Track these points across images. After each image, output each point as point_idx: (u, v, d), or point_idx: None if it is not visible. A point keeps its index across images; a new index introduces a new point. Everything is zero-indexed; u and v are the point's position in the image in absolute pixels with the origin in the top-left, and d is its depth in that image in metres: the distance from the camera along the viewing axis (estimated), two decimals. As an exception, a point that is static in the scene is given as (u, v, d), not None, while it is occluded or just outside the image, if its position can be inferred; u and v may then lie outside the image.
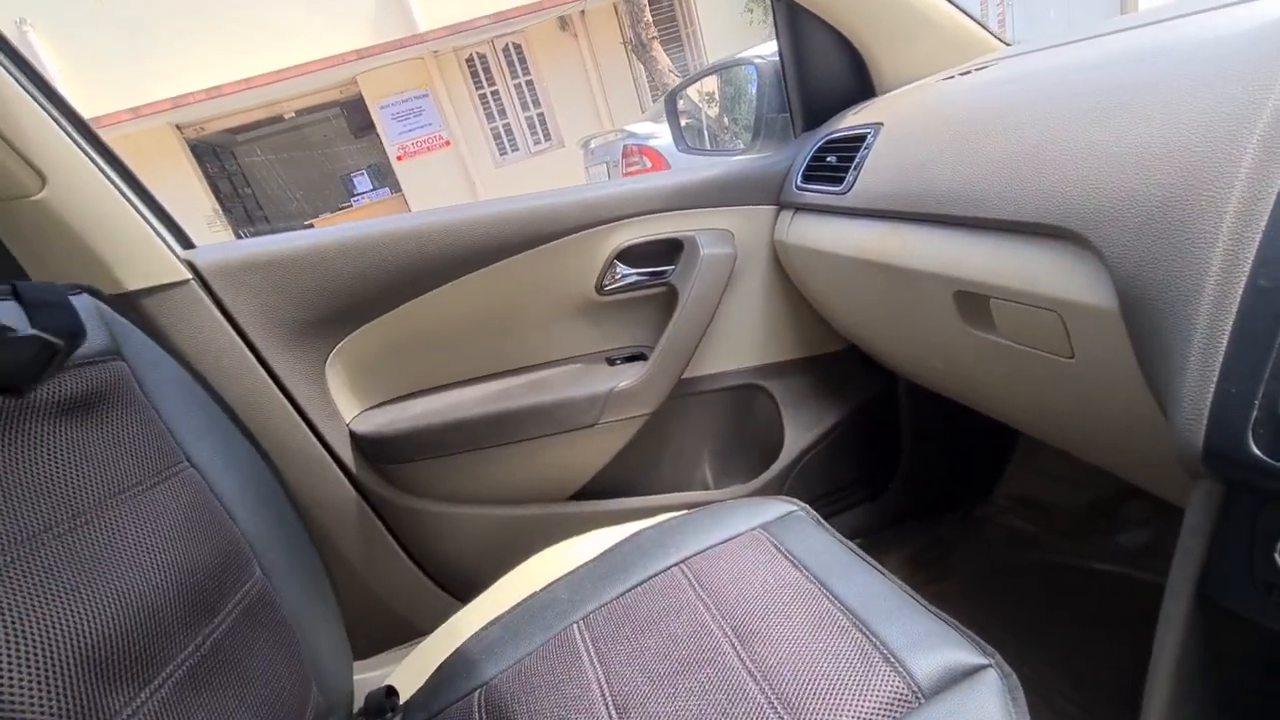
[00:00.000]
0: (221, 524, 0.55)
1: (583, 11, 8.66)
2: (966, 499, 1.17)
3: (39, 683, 0.36)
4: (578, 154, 5.71)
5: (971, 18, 0.86)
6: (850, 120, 0.87)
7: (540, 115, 9.11)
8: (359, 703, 0.63)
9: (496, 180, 8.97)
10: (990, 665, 0.51)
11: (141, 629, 0.43)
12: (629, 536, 0.71)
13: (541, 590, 0.67)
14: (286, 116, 8.98)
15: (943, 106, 0.72)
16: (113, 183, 0.71)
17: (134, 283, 0.71)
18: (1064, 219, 0.49)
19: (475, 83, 8.82)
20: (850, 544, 0.64)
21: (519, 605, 0.66)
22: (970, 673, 0.50)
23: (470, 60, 8.72)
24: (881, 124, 0.78)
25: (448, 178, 8.83)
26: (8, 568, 0.38)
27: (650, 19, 6.88)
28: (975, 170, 0.59)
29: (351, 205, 9.33)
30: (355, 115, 9.15)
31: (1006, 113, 0.60)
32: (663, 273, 0.96)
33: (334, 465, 0.85)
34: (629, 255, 0.94)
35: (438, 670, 0.63)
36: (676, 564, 0.64)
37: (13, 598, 0.37)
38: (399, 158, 8.81)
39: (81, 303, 0.52)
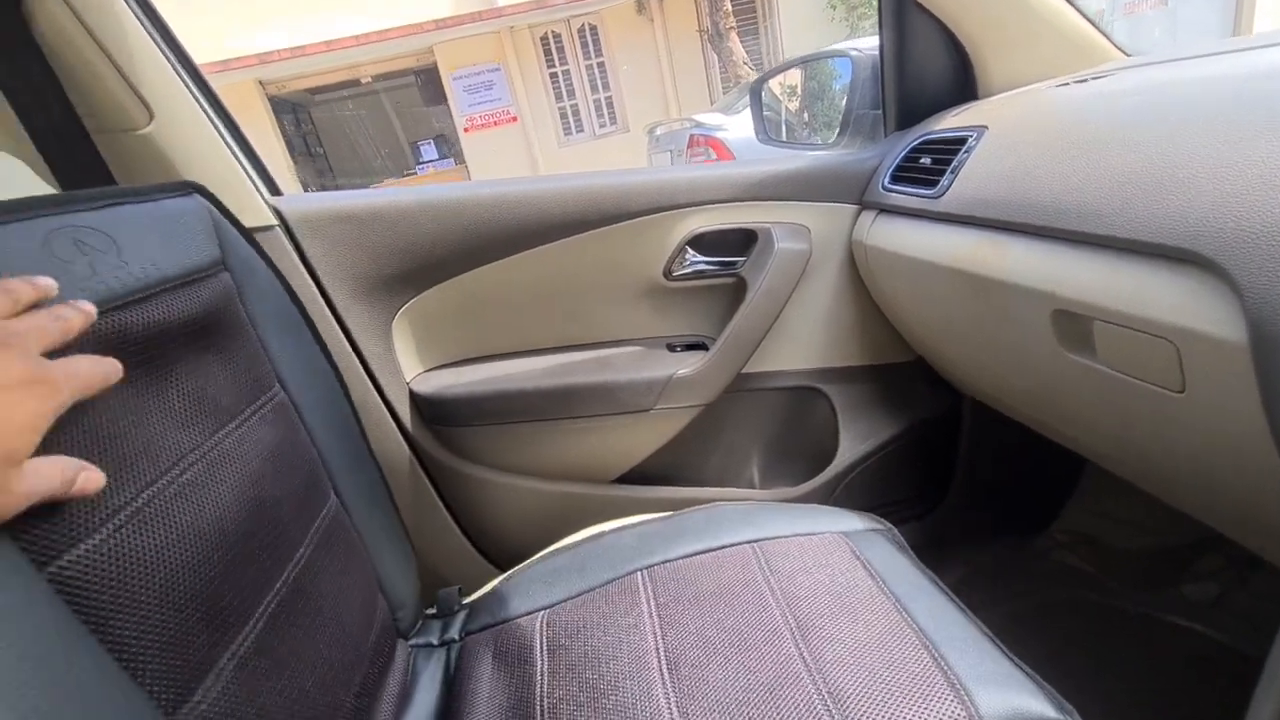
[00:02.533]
0: (306, 450, 0.57)
1: (661, -3, 8.59)
2: (1022, 529, 1.12)
3: (165, 616, 0.37)
4: (641, 139, 5.69)
5: (1094, 24, 0.81)
6: (949, 122, 0.83)
7: (608, 98, 9.10)
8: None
9: (559, 159, 9.02)
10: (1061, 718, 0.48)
11: (238, 569, 0.43)
12: (703, 506, 0.71)
13: (610, 533, 0.68)
14: (363, 81, 9.20)
15: (1057, 114, 0.68)
16: (214, 124, 0.73)
17: (226, 223, 0.73)
18: (1193, 242, 0.45)
19: (547, 61, 8.86)
20: (933, 574, 0.62)
21: (585, 540, 0.68)
22: None
23: (545, 38, 8.76)
24: (986, 127, 0.74)
25: (511, 153, 8.92)
26: (158, 496, 0.39)
27: (729, 8, 6.78)
28: (1090, 183, 0.56)
29: (416, 172, 9.52)
30: (428, 84, 9.31)
31: (1129, 125, 0.56)
32: (733, 263, 0.94)
33: (391, 421, 0.87)
34: (701, 242, 0.93)
35: (502, 585, 0.66)
36: (748, 542, 0.65)
37: (152, 531, 0.38)
38: (466, 129, 8.94)
39: (189, 205, 0.53)
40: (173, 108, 0.68)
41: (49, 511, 0.32)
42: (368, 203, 0.82)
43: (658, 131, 5.35)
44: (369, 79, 9.19)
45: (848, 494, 1.01)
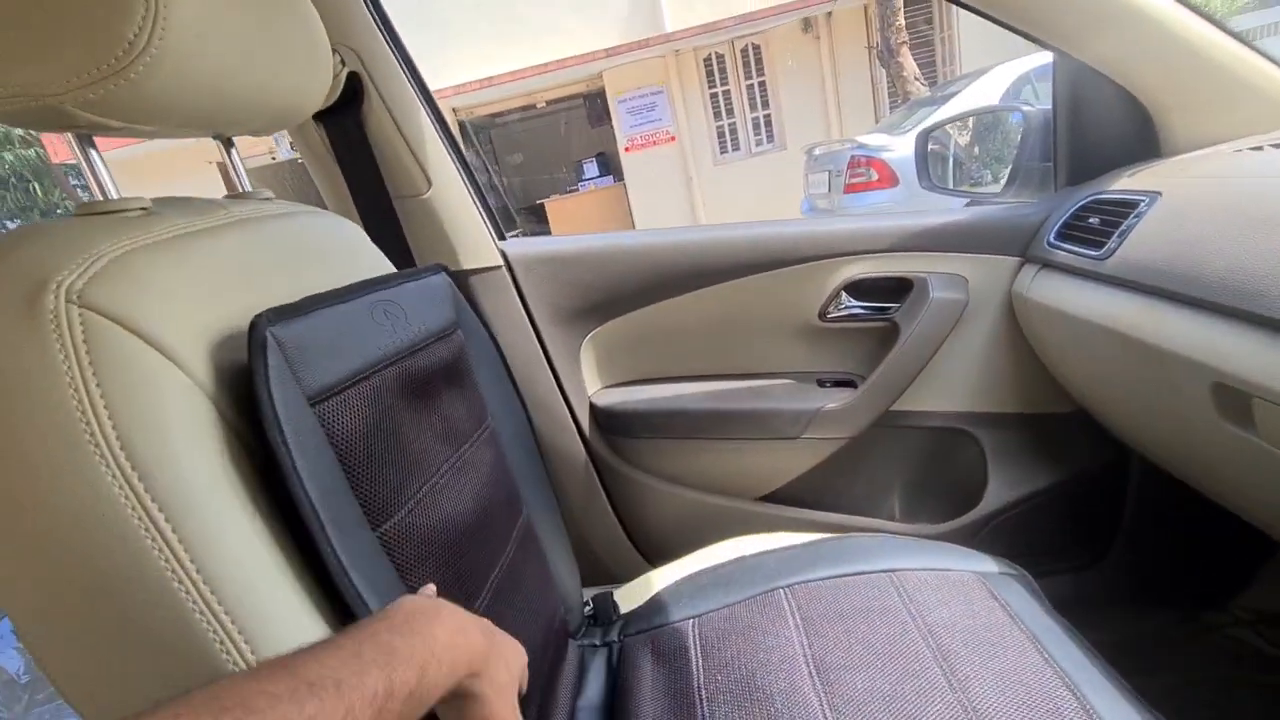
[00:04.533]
0: (506, 469, 0.72)
1: (829, 13, 8.48)
2: (1195, 599, 1.05)
3: (438, 573, 0.52)
4: (799, 159, 5.67)
5: (1296, 81, 0.78)
6: (1123, 183, 0.84)
7: (767, 117, 9.14)
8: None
9: (713, 177, 9.20)
10: None
11: (475, 550, 0.58)
12: (838, 535, 0.78)
13: (751, 555, 0.77)
14: (539, 106, 10.03)
15: (1236, 183, 0.68)
16: (467, 186, 0.94)
17: (468, 264, 0.94)
18: None
19: (709, 82, 9.09)
20: (1070, 626, 0.64)
21: (730, 562, 0.77)
22: None
23: (708, 59, 9.00)
24: (1160, 193, 0.75)
25: (668, 171, 9.25)
26: (431, 492, 0.54)
27: (903, 23, 6.54)
28: (1261, 261, 0.57)
29: (579, 190, 10.17)
30: (594, 107, 9.94)
31: None
32: (887, 309, 1.00)
33: (574, 428, 1.04)
34: (857, 288, 1.00)
35: (655, 596, 0.76)
36: (885, 571, 0.70)
37: (431, 514, 0.53)
38: (627, 149, 9.42)
39: (440, 280, 0.71)
40: (443, 177, 0.90)
41: (377, 493, 0.48)
42: (571, 246, 0.99)
43: (816, 151, 5.31)
44: (544, 104, 10.00)
45: (992, 539, 1.02)
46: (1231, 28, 0.79)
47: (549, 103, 9.98)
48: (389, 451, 0.51)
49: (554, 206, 9.51)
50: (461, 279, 0.93)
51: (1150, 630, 1.04)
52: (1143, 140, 0.88)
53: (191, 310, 0.42)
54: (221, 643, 0.36)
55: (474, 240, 0.95)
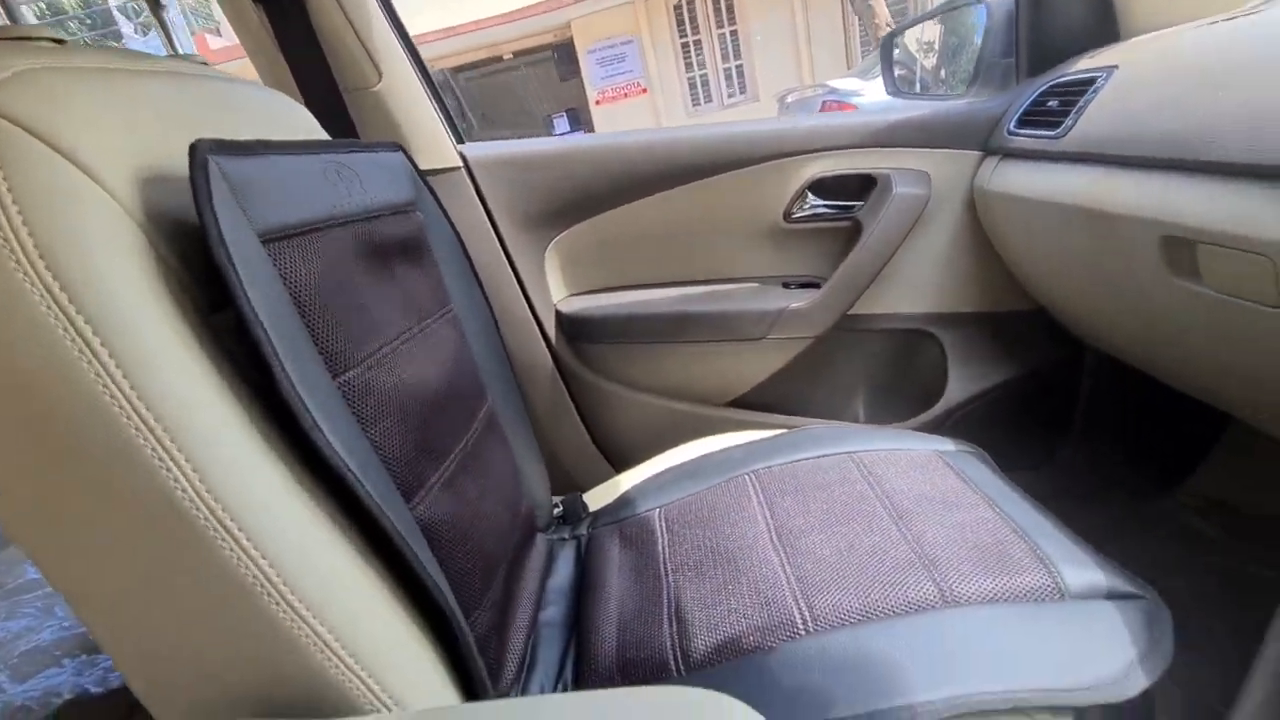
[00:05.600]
0: (470, 356, 0.72)
1: (801, -42, 8.29)
2: (1143, 490, 1.10)
3: (400, 434, 0.51)
4: (771, 109, 5.61)
5: (1255, -45, 0.78)
6: (1082, 64, 0.84)
7: (739, 67, 8.98)
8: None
9: (686, 131, 9.06)
10: (1144, 597, 0.53)
11: (439, 421, 0.58)
12: (800, 429, 0.80)
13: (718, 450, 0.79)
14: (505, 58, 9.72)
15: (1194, 48, 0.68)
16: (421, 82, 0.91)
17: (425, 164, 0.91)
18: None
19: (680, 31, 8.88)
20: (1022, 490, 0.67)
21: (697, 458, 0.79)
22: (1121, 596, 0.53)
23: (678, 7, 8.77)
24: (1116, 67, 0.75)
25: (641, 124, 9.08)
26: (391, 354, 0.54)
27: (874, -33, 6.42)
28: (1213, 115, 0.57)
29: (549, 144, 9.97)
30: (564, 60, 9.66)
31: (1269, 57, 0.57)
32: (851, 207, 1.00)
33: (539, 334, 1.03)
34: (821, 187, 0.99)
35: (623, 494, 0.77)
36: (847, 453, 0.73)
37: (390, 374, 0.53)
38: (597, 102, 9.21)
39: (397, 159, 0.69)
40: (394, 68, 0.86)
41: (335, 342, 0.47)
42: (532, 148, 0.97)
43: (789, 99, 5.26)
44: (510, 55, 9.69)
45: (954, 434, 1.05)
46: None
47: (515, 54, 9.67)
48: (347, 306, 0.50)
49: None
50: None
51: (1100, 520, 1.09)
52: (1103, 26, 0.88)
53: (116, 138, 0.39)
54: (161, 461, 0.35)
55: (430, 138, 0.92)
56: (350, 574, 0.41)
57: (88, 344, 0.33)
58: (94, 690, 0.65)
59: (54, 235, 0.33)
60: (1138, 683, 0.47)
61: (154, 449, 0.35)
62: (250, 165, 0.44)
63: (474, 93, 10.41)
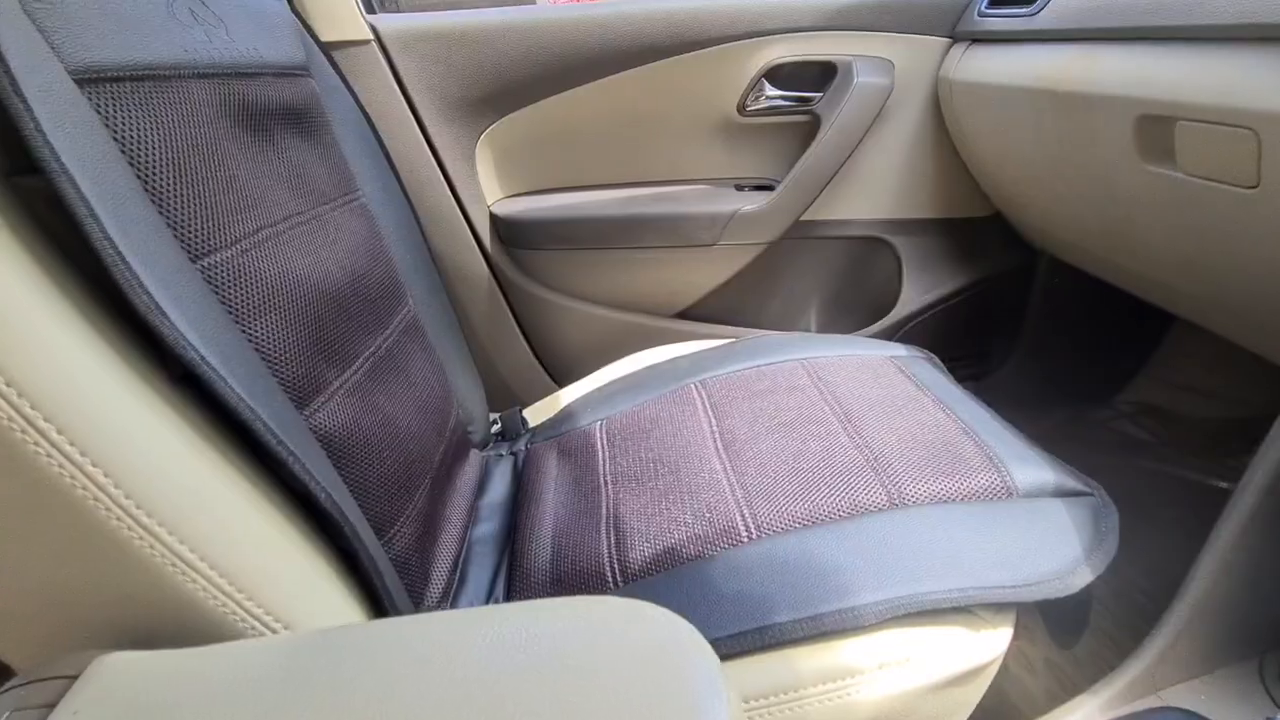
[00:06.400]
0: (385, 253, 0.63)
1: None
2: (1086, 398, 1.11)
3: (288, 331, 0.44)
4: None
5: None
6: None
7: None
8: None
9: None
10: (1091, 494, 0.52)
11: (342, 321, 0.51)
12: (752, 338, 0.76)
13: (665, 361, 0.74)
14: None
15: None
16: None
17: (326, 34, 0.78)
18: None
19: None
20: (974, 395, 0.65)
21: (642, 370, 0.74)
22: (1069, 493, 0.52)
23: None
24: (1099, -67, 0.68)
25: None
26: (275, 237, 0.46)
27: None
28: None
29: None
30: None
31: None
32: (810, 99, 0.92)
33: (473, 240, 0.94)
34: (778, 75, 0.91)
35: (563, 410, 0.72)
36: (798, 359, 0.69)
37: (273, 261, 0.45)
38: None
39: (278, 7, 0.57)
40: None
41: (191, 219, 0.39)
42: (456, 22, 0.85)
43: None
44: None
45: (903, 342, 1.03)
46: None
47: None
48: (209, 176, 0.42)
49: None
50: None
51: (1042, 429, 1.10)
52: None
53: None
54: None
55: (334, 7, 0.79)
56: (217, 485, 0.35)
57: None
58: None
59: None
60: (1082, 578, 0.46)
61: None
62: None
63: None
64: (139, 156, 0.37)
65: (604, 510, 0.58)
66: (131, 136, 0.37)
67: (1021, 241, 0.99)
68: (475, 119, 0.90)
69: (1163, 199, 0.58)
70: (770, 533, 0.50)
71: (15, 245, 0.30)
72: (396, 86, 0.85)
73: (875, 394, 0.63)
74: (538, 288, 0.98)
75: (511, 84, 0.88)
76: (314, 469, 0.39)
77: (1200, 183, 0.53)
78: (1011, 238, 0.99)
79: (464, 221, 0.93)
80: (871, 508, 0.50)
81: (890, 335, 1.01)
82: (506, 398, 1.04)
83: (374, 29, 0.83)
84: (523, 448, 0.73)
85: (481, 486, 0.70)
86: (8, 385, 0.27)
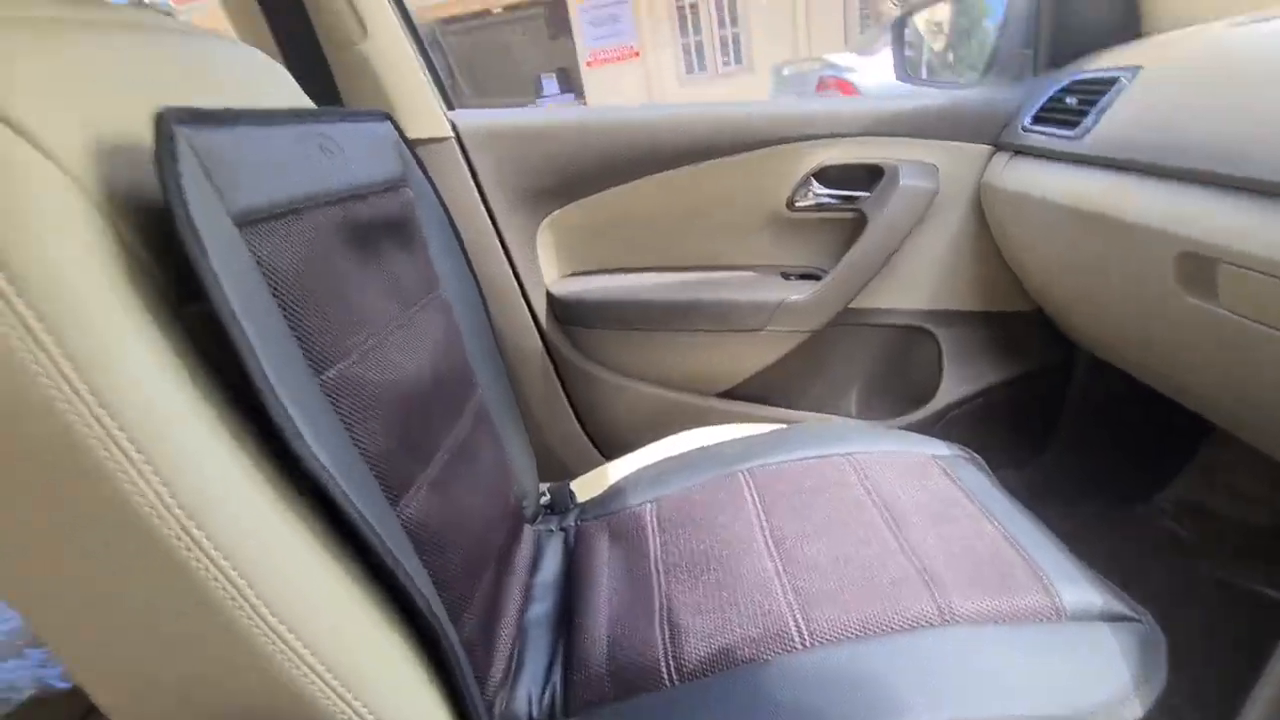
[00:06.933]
0: (459, 344, 0.68)
1: (803, -75, 8.06)
2: (1125, 494, 1.11)
3: (386, 433, 0.48)
4: (766, 81, 5.51)
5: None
6: (1103, 61, 0.81)
7: (735, 35, 8.78)
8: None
9: (678, 97, 8.88)
10: (1140, 620, 0.53)
11: (426, 416, 0.55)
12: (796, 425, 0.78)
13: (711, 445, 0.77)
14: (494, 12, 9.38)
15: (1222, 52, 0.66)
16: (409, 40, 0.85)
17: (413, 132, 0.86)
18: None
19: (676, -7, 8.63)
20: (1019, 502, 0.66)
21: (690, 451, 0.76)
22: (1117, 618, 0.52)
23: (675, -31, 8.51)
24: (1140, 67, 0.72)
25: (632, 89, 8.88)
26: (378, 346, 0.50)
27: (877, -62, 6.26)
28: (1242, 128, 0.55)
29: (537, 105, 9.71)
30: (555, 18, 9.35)
31: None
32: (856, 198, 0.97)
33: (530, 317, 0.99)
34: (826, 175, 0.96)
35: (613, 485, 0.75)
36: (843, 454, 0.71)
37: (377, 369, 0.49)
38: (588, 64, 8.96)
39: (385, 129, 0.64)
40: (382, 26, 0.81)
41: (318, 337, 0.44)
42: (529, 120, 0.92)
43: (785, 72, 5.15)
44: (500, 9, 9.35)
45: (944, 432, 1.05)
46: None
47: (506, 8, 9.33)
48: (330, 296, 0.46)
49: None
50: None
51: (1082, 523, 1.10)
52: (1126, 20, 0.85)
53: (67, 104, 0.35)
54: (124, 471, 0.31)
55: (418, 104, 0.86)
56: (330, 586, 0.38)
57: (36, 339, 0.30)
58: (57, 685, 0.62)
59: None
60: (1132, 711, 0.46)
61: (114, 456, 0.31)
62: (223, 138, 0.39)
63: (459, 48, 10.06)
64: (279, 283, 0.42)
65: (657, 601, 0.60)
66: (274, 267, 0.42)
67: (1062, 337, 1.01)
68: (539, 206, 0.96)
69: (1205, 330, 0.60)
70: (823, 641, 0.51)
71: (183, 370, 0.34)
72: (470, 177, 0.92)
73: (921, 497, 0.65)
74: (589, 364, 1.02)
75: (575, 176, 0.95)
76: (410, 568, 0.42)
77: (1244, 322, 0.55)
78: (1053, 333, 1.01)
79: (523, 300, 0.98)
80: (922, 621, 0.52)
81: (931, 424, 1.03)
82: (553, 468, 1.07)
83: (454, 125, 0.90)
84: (573, 523, 0.76)
85: (534, 564, 0.72)
86: (171, 496, 0.31)
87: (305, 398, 0.39)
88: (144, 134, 0.35)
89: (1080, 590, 0.53)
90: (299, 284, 0.43)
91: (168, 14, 0.53)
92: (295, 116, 0.50)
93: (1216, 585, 0.95)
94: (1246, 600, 0.93)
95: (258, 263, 0.41)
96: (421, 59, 0.88)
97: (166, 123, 0.35)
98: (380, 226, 0.57)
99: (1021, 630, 0.51)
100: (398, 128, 0.67)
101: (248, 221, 0.40)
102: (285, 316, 0.42)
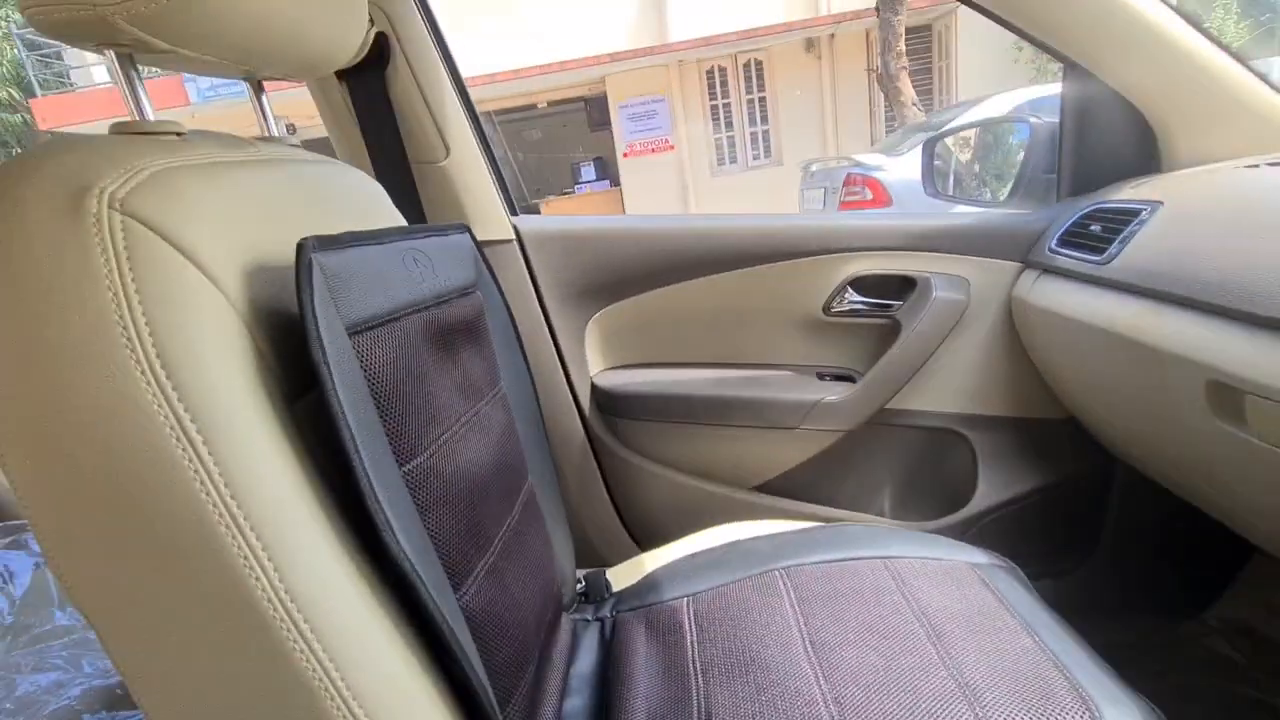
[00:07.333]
0: (515, 436, 0.72)
1: (832, 35, 8.62)
2: (1170, 610, 1.08)
3: (453, 522, 0.52)
4: (794, 175, 5.75)
5: (1294, 105, 0.81)
6: (1125, 193, 0.86)
7: (765, 132, 9.25)
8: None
9: (709, 188, 9.28)
10: None
11: (485, 506, 0.58)
12: (831, 524, 0.79)
13: (746, 540, 0.78)
14: (540, 106, 10.06)
15: (1238, 195, 0.71)
16: (482, 155, 0.95)
17: (482, 235, 0.94)
18: None
19: (710, 93, 9.18)
20: (1058, 615, 0.66)
21: (725, 545, 0.78)
22: None
23: (710, 72, 9.09)
24: (1161, 203, 0.78)
25: (665, 179, 9.32)
26: (451, 441, 0.55)
27: (903, 49, 6.66)
28: (1256, 267, 0.59)
29: (575, 192, 10.19)
30: (595, 111, 9.98)
31: None
32: (889, 306, 1.02)
33: (574, 407, 1.04)
34: (861, 284, 1.02)
35: (648, 576, 0.77)
36: (880, 557, 0.71)
37: (450, 462, 0.54)
38: (625, 154, 9.46)
39: (465, 240, 0.72)
40: (462, 145, 0.91)
41: (404, 432, 0.49)
42: (586, 225, 1.00)
43: (813, 168, 5.38)
44: (545, 105, 10.03)
45: (979, 538, 1.04)
46: (1236, 52, 0.82)
47: (550, 104, 10.01)
48: (416, 394, 0.51)
49: (550, 207, 9.54)
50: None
51: (1126, 638, 1.06)
52: (1145, 155, 0.91)
53: (228, 234, 0.42)
54: (246, 559, 0.36)
55: (487, 211, 0.95)
56: (404, 674, 0.41)
57: (191, 443, 0.35)
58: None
59: (172, 336, 0.35)
60: None
61: (240, 545, 0.36)
62: (343, 259, 0.46)
63: (507, 134, 10.74)
64: (376, 383, 0.47)
65: (695, 703, 0.60)
66: (373, 369, 0.47)
67: (1099, 446, 1.01)
68: (589, 304, 1.03)
69: (1236, 454, 0.62)
70: None
71: (295, 464, 0.39)
72: (528, 275, 0.99)
73: (959, 607, 0.65)
74: (628, 453, 1.06)
75: (623, 278, 1.02)
76: (471, 655, 0.45)
77: (1273, 449, 0.57)
78: (1090, 441, 1.02)
79: (568, 389, 1.04)
80: None
81: (965, 529, 1.03)
82: (588, 554, 1.09)
83: (515, 228, 0.99)
84: (608, 614, 0.77)
85: (572, 655, 0.73)
86: (281, 581, 0.35)
87: (392, 489, 0.44)
88: (281, 254, 0.42)
89: (1124, 712, 0.53)
90: (391, 383, 0.49)
91: (295, 146, 0.62)
92: (395, 234, 0.57)
93: (1271, 712, 0.91)
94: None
95: (360, 360, 0.46)
96: (493, 172, 0.98)
97: (306, 251, 0.42)
98: (458, 329, 0.63)
99: None
100: (473, 236, 0.75)
101: (357, 331, 0.46)
102: (380, 414, 0.47)
